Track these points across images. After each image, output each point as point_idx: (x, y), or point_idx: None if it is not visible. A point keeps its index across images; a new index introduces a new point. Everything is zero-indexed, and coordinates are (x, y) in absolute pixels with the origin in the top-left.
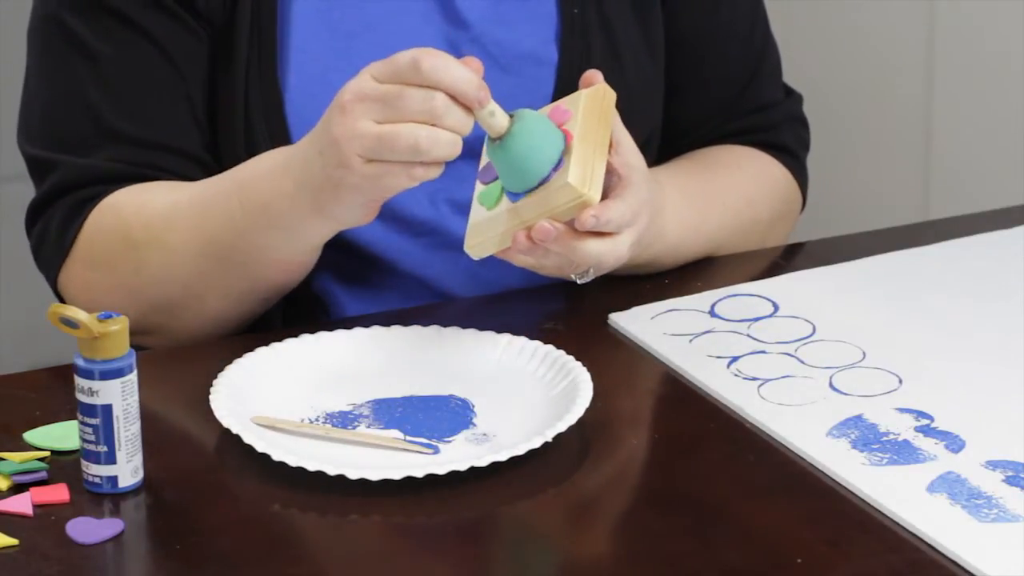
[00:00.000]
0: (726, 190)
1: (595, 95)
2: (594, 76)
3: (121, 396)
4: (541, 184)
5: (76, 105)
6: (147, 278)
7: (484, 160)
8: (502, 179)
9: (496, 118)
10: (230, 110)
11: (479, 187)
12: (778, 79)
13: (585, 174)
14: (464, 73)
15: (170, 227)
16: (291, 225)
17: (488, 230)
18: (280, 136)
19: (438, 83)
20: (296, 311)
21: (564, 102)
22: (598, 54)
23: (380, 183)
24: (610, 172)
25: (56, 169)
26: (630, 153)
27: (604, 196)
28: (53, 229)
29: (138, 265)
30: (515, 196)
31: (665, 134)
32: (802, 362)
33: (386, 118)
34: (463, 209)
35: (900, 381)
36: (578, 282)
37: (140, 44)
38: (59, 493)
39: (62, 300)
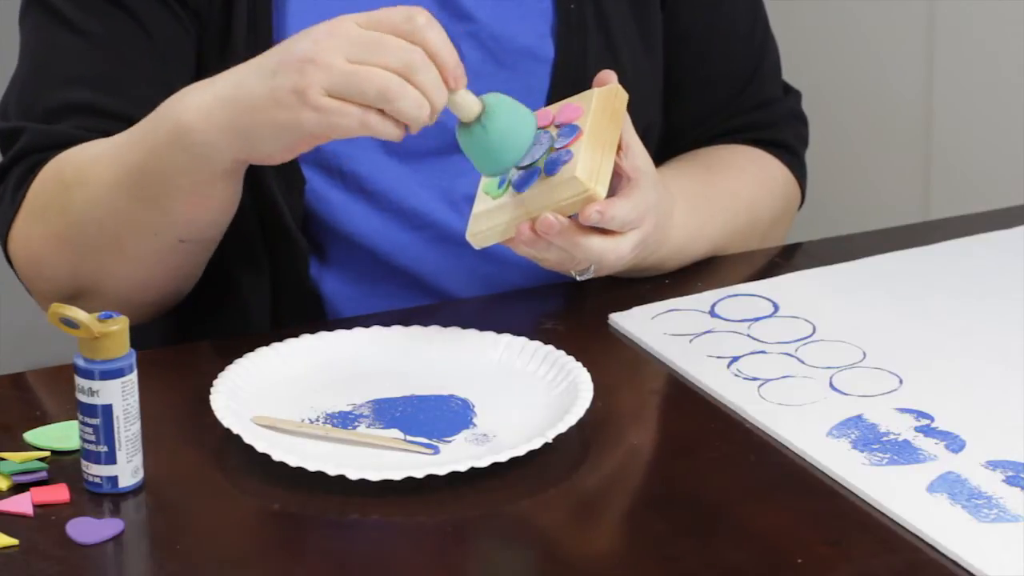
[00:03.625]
0: (728, 193)
1: (607, 94)
2: (608, 76)
3: (121, 396)
4: (528, 167)
5: (52, 76)
6: (72, 221)
7: None
8: (475, 164)
9: (468, 102)
10: None
11: (484, 176)
12: (778, 76)
13: (593, 169)
14: (450, 45)
15: (94, 166)
16: (198, 141)
17: (492, 219)
18: None
19: (426, 41)
20: (295, 310)
21: (576, 99)
22: (594, 50)
23: (330, 120)
24: (618, 174)
25: (23, 135)
26: (639, 157)
27: (611, 196)
28: (8, 191)
29: (66, 208)
30: (520, 186)
31: (666, 132)
32: (802, 362)
33: (359, 59)
34: (460, 203)
35: (900, 381)
36: (577, 279)
37: (123, 22)
38: (59, 493)
39: (11, 264)
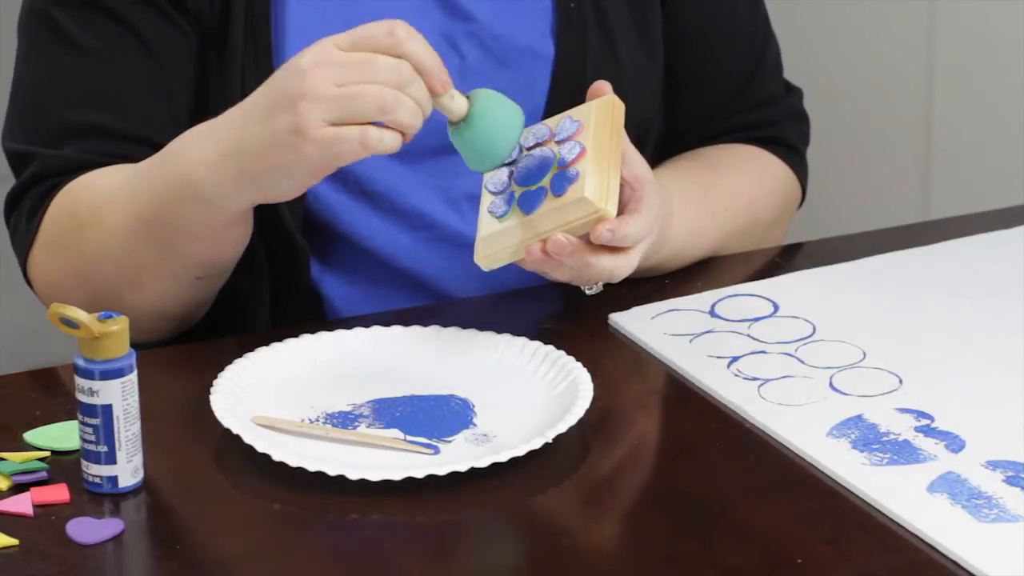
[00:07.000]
0: (729, 193)
1: (605, 106)
2: (603, 87)
3: (121, 396)
4: (534, 187)
5: (56, 97)
6: (88, 258)
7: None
8: (467, 161)
9: (456, 101)
10: (226, 109)
11: (488, 197)
12: (779, 74)
13: (601, 188)
14: (433, 52)
15: (107, 206)
16: (211, 194)
17: (500, 242)
18: None
19: (410, 53)
20: (295, 312)
21: (574, 113)
22: (594, 49)
23: (332, 150)
24: (621, 185)
25: (34, 160)
26: (637, 164)
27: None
28: (23, 216)
29: (81, 245)
30: (527, 207)
31: (667, 131)
32: (802, 362)
33: (349, 82)
34: (460, 203)
35: (900, 381)
36: (587, 293)
37: (124, 37)
38: (59, 493)
39: (32, 288)
